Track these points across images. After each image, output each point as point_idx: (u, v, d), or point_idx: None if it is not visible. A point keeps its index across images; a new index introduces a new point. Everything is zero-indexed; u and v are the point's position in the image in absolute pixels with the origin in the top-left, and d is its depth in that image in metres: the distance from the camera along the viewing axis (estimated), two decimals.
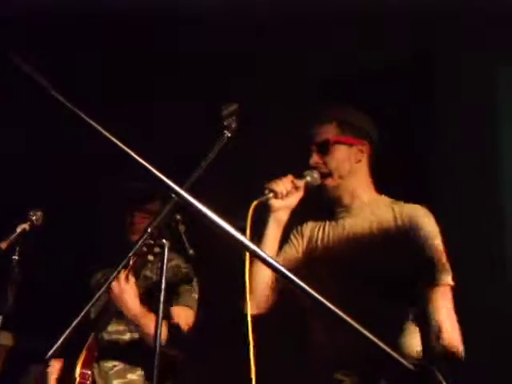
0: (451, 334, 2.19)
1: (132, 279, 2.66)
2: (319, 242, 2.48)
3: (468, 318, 2.22)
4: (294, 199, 2.41)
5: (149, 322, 2.66)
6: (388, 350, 1.61)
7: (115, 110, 3.76)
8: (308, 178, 2.41)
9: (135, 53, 4.34)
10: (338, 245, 2.43)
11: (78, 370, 2.71)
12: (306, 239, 2.53)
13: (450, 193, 3.54)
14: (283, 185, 2.36)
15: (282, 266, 1.61)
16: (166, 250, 2.00)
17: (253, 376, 1.94)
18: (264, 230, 2.41)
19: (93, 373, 2.78)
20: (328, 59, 3.95)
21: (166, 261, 1.98)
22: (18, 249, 2.68)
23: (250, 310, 2.30)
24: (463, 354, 2.18)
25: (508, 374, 3.03)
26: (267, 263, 1.54)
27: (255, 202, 2.22)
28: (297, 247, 2.52)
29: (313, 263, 2.45)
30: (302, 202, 2.43)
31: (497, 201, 3.50)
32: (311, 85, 3.95)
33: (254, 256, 1.61)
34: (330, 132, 2.47)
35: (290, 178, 2.39)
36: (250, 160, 3.82)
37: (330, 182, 2.44)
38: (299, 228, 2.57)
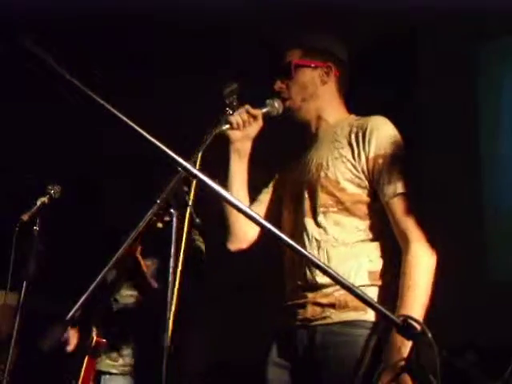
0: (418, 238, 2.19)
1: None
2: (291, 174, 2.50)
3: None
4: (253, 129, 2.40)
5: None
6: (376, 304, 1.75)
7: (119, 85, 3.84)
8: (268, 108, 2.39)
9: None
10: (299, 174, 2.43)
11: (94, 330, 2.90)
12: (283, 173, 2.56)
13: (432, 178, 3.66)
14: (239, 115, 2.35)
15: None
16: (175, 219, 2.16)
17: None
18: (228, 161, 2.43)
19: None
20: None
21: (174, 230, 2.14)
22: (38, 220, 2.85)
23: (232, 245, 2.47)
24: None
25: None
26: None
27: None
28: (272, 186, 2.56)
29: (280, 199, 2.51)
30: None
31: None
32: None
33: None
34: (292, 56, 2.44)
35: (245, 107, 2.37)
36: None
37: (291, 104, 2.42)
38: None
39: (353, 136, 2.30)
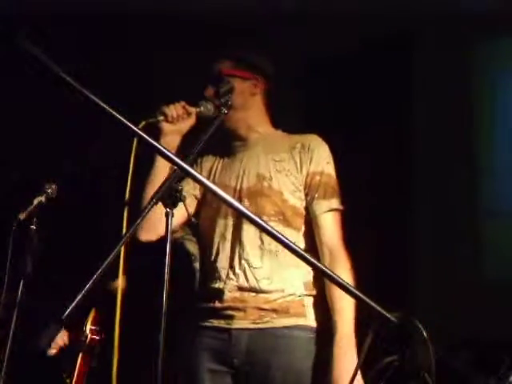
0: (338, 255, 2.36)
1: None
2: (216, 177, 2.57)
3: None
4: (185, 125, 2.47)
5: None
6: (372, 303, 1.77)
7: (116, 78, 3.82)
8: (201, 108, 2.47)
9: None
10: (231, 179, 2.52)
11: (88, 327, 2.90)
12: (205, 173, 2.60)
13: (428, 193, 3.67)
14: (174, 109, 2.42)
15: None
16: (170, 217, 2.16)
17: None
18: (154, 154, 2.38)
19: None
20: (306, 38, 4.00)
21: (170, 228, 2.14)
22: (35, 219, 2.85)
23: (143, 235, 2.46)
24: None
25: None
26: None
27: (143, 123, 2.22)
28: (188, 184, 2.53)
29: (208, 197, 2.55)
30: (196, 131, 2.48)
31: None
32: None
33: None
34: (224, 65, 2.57)
35: (182, 103, 2.46)
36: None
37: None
38: (199, 160, 2.66)
39: (292, 150, 2.48)
